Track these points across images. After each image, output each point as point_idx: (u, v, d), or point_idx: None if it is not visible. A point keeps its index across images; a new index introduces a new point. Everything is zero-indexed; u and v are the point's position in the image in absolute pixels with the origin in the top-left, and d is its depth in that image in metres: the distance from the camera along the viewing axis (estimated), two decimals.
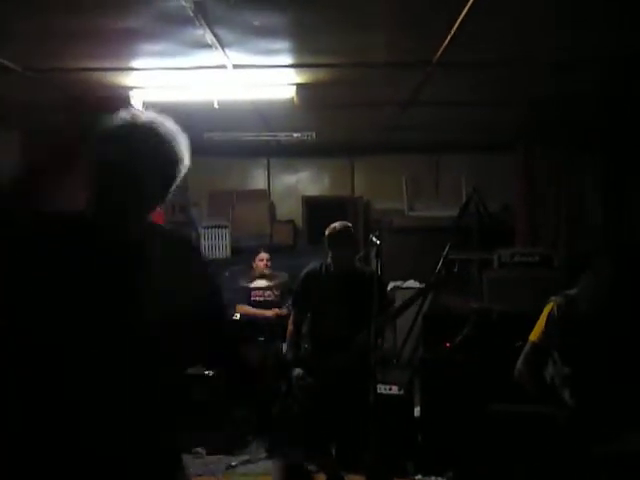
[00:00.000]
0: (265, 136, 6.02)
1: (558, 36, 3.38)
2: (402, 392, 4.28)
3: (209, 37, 3.24)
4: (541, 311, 3.12)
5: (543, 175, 6.25)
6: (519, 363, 3.11)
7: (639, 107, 4.85)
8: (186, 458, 4.93)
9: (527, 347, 3.11)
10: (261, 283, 5.88)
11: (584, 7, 2.96)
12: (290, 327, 3.82)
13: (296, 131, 5.85)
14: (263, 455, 4.65)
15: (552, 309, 3.05)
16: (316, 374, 3.50)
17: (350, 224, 3.76)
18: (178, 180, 1.66)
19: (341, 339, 3.48)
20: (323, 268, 3.73)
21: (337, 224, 3.71)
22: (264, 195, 7.19)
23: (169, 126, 1.64)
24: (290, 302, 5.09)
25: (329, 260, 3.70)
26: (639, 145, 5.42)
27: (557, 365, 3.01)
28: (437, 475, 4.19)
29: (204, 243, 6.94)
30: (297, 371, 3.56)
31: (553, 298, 3.09)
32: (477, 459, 3.76)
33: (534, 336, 3.09)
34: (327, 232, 3.69)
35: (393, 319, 4.06)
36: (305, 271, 3.83)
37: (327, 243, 3.67)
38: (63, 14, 2.94)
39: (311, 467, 3.74)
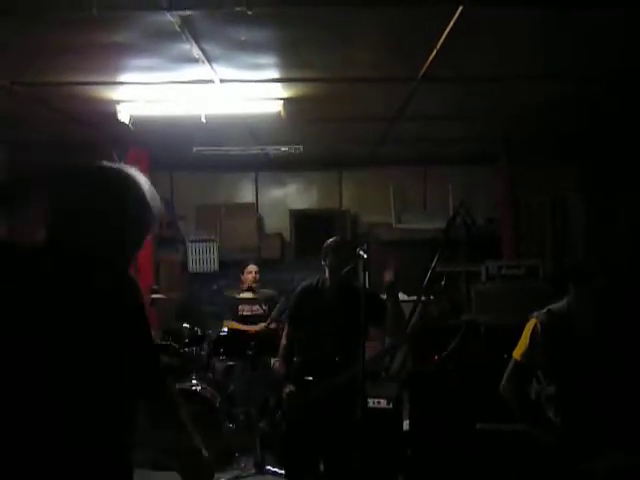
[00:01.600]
0: (253, 150, 6.04)
1: (537, 52, 3.44)
2: (391, 406, 4.27)
3: (196, 52, 3.26)
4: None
5: (527, 186, 6.30)
6: (503, 381, 3.03)
7: (622, 117, 4.92)
8: (173, 475, 4.85)
9: (511, 365, 3.01)
10: (248, 296, 5.86)
11: (565, 24, 3.01)
12: (283, 342, 3.77)
13: (284, 145, 5.88)
14: (252, 471, 4.62)
15: (535, 326, 2.93)
16: (308, 393, 3.46)
17: (347, 239, 3.72)
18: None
19: (334, 358, 3.44)
20: (319, 284, 3.68)
21: (335, 238, 3.66)
22: (252, 209, 7.20)
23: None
24: (277, 315, 5.09)
25: (326, 275, 3.65)
26: (622, 155, 5.48)
27: (541, 383, 2.95)
28: None
29: (191, 257, 6.92)
30: (289, 388, 3.52)
31: (535, 314, 2.98)
32: (466, 473, 3.76)
33: (517, 354, 2.98)
34: (326, 244, 3.62)
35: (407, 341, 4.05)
36: (301, 287, 3.77)
37: (326, 255, 3.62)
38: (51, 28, 2.94)
39: None
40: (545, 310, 2.98)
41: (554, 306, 2.99)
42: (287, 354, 3.73)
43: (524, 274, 5.02)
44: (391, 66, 3.66)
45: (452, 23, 2.89)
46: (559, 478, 2.78)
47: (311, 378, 3.47)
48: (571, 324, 2.91)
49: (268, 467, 4.60)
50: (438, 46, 3.21)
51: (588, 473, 2.67)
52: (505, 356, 3.19)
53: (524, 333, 2.98)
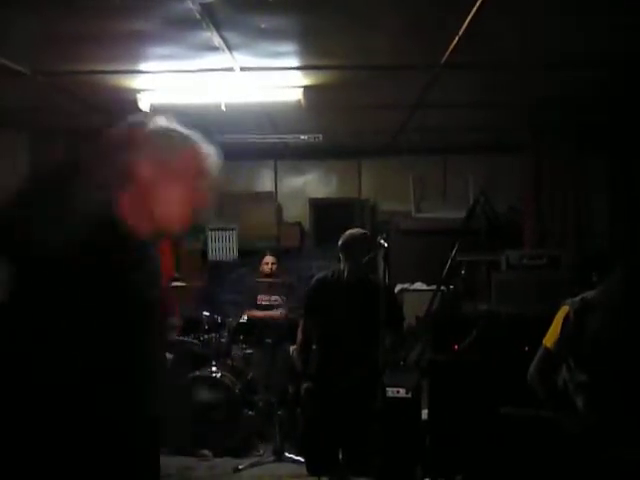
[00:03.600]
0: (272, 138, 6.03)
1: (566, 36, 3.37)
2: (410, 395, 4.26)
3: (216, 40, 3.25)
4: (550, 313, 3.03)
5: (551, 176, 6.23)
6: (532, 368, 3.00)
7: None
8: (193, 461, 4.93)
9: (540, 352, 2.98)
10: (267, 286, 5.88)
11: (592, 7, 2.95)
12: (300, 336, 3.76)
13: (303, 133, 5.86)
14: (271, 458, 4.64)
15: (568, 314, 2.89)
16: (326, 388, 3.45)
17: (366, 231, 3.69)
18: None
19: (351, 350, 3.44)
20: (335, 276, 3.65)
21: (354, 231, 3.63)
22: (271, 197, 7.20)
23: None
24: (295, 304, 5.10)
25: (342, 268, 3.62)
26: None
27: (572, 371, 2.92)
28: (446, 478, 4.17)
29: (211, 245, 6.95)
30: (306, 384, 3.52)
31: (568, 302, 2.93)
32: (486, 463, 3.74)
33: (548, 341, 2.94)
34: (343, 240, 3.59)
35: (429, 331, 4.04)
36: (315, 279, 3.75)
37: (342, 251, 3.59)
38: (72, 17, 2.95)
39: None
40: (578, 298, 2.94)
41: (587, 294, 2.95)
42: (304, 349, 3.72)
43: (546, 264, 4.97)
44: (412, 53, 3.62)
45: (476, 7, 2.84)
46: (584, 466, 2.75)
47: (329, 373, 3.46)
48: (603, 312, 2.87)
49: (287, 454, 4.62)
50: (461, 32, 3.16)
51: (615, 461, 2.64)
52: (525, 347, 3.16)
53: (555, 321, 2.94)
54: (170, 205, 1.58)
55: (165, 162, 1.56)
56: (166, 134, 1.60)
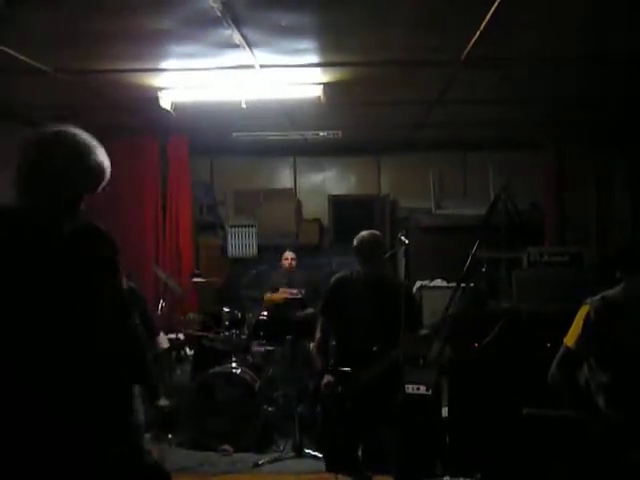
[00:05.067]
0: (292, 135, 6.04)
1: (586, 33, 3.33)
2: (430, 392, 4.25)
3: (237, 37, 3.26)
4: (571, 311, 3.01)
5: (573, 173, 6.17)
6: (553, 367, 2.97)
7: None
8: (213, 456, 4.96)
9: (562, 351, 2.95)
10: (286, 281, 5.91)
11: (611, 4, 2.91)
12: (318, 334, 3.78)
13: (322, 130, 5.86)
14: (291, 454, 4.66)
15: (589, 313, 2.84)
16: (346, 383, 3.46)
17: (378, 232, 3.69)
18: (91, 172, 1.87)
19: (369, 349, 3.44)
20: (354, 276, 3.68)
21: (365, 234, 3.62)
22: (290, 194, 7.21)
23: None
24: (316, 303, 5.12)
25: (359, 269, 3.65)
26: None
27: (593, 370, 2.89)
28: (465, 476, 4.15)
29: (231, 242, 6.98)
30: (326, 379, 3.53)
31: (589, 300, 2.88)
32: (505, 461, 3.72)
33: (569, 341, 2.89)
34: (355, 243, 3.61)
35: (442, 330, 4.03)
36: (335, 278, 3.78)
37: (356, 255, 3.62)
38: (93, 16, 2.98)
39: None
40: (599, 297, 2.90)
41: (608, 293, 2.91)
42: (322, 346, 3.73)
43: (567, 261, 4.92)
44: (432, 49, 3.60)
45: (496, 4, 2.82)
46: (606, 466, 2.72)
47: (348, 369, 3.47)
48: (625, 311, 2.84)
49: (307, 450, 4.64)
50: (482, 27, 3.14)
51: (637, 461, 2.62)
52: (548, 345, 3.13)
53: (576, 320, 2.91)
54: None
55: None
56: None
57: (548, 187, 6.25)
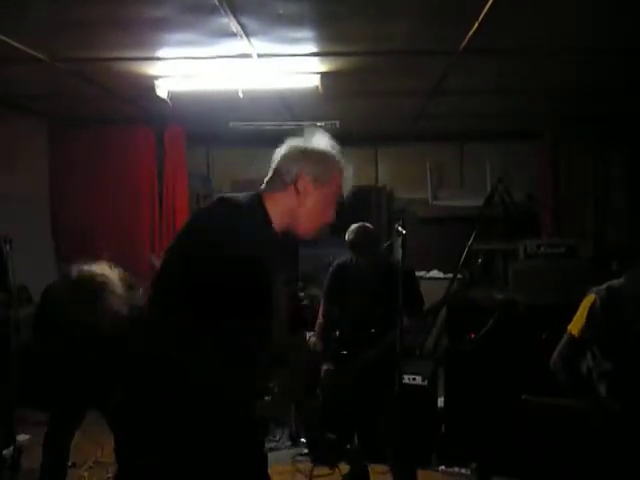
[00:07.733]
0: (289, 125, 6.01)
1: (584, 24, 3.32)
2: (426, 382, 4.27)
3: (234, 26, 3.24)
4: (567, 302, 3.02)
5: (569, 164, 6.17)
6: (555, 354, 2.99)
7: None
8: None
9: (565, 339, 2.97)
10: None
11: None
12: (320, 319, 3.80)
13: (320, 120, 5.84)
14: (287, 443, 4.68)
15: (594, 302, 2.89)
16: (345, 369, 3.48)
17: (369, 225, 3.67)
18: None
19: (370, 332, 3.46)
20: (354, 261, 3.69)
21: (355, 228, 3.62)
22: None
23: None
24: (304, 287, 5.14)
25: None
26: None
27: (597, 359, 2.91)
28: (460, 466, 4.18)
29: None
30: (327, 365, 3.55)
31: (594, 290, 2.93)
32: (500, 451, 3.75)
33: (574, 328, 2.93)
34: (347, 237, 3.62)
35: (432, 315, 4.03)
36: (336, 263, 3.79)
37: (349, 249, 3.63)
38: (90, 3, 2.96)
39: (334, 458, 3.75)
40: (605, 286, 2.93)
41: (614, 282, 2.94)
42: (324, 331, 3.75)
43: (563, 253, 4.94)
44: (430, 39, 3.58)
45: None
46: (605, 455, 2.74)
47: (346, 352, 3.50)
48: (630, 301, 2.85)
49: (303, 439, 4.65)
50: (480, 18, 3.13)
51: (636, 449, 2.63)
52: (544, 336, 3.15)
53: (581, 308, 2.93)
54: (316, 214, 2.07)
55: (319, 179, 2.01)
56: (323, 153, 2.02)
57: (545, 179, 6.25)
